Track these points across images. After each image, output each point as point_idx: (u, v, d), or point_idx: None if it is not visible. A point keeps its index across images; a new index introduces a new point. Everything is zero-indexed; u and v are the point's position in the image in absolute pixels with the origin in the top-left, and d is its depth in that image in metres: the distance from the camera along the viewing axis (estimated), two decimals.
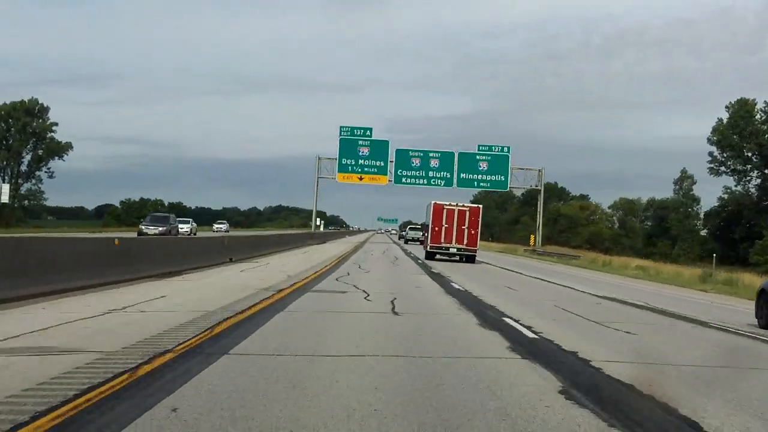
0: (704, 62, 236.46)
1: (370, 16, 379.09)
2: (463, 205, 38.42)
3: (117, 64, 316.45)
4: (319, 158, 72.89)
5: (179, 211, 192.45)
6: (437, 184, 71.72)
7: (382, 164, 71.60)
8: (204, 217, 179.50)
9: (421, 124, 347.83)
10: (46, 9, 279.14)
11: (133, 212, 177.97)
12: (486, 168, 71.54)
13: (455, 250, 37.31)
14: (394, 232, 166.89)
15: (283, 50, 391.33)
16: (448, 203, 38.19)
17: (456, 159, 71.73)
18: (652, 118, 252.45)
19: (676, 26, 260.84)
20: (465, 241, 37.14)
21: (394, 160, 71.70)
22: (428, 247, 38.52)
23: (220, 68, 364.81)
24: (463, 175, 71.64)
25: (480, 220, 38.16)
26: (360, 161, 71.39)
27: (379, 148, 71.65)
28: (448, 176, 71.62)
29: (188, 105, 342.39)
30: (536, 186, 73.69)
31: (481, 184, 72.04)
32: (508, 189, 72.84)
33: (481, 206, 40.53)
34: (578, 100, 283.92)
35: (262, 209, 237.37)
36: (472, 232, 37.28)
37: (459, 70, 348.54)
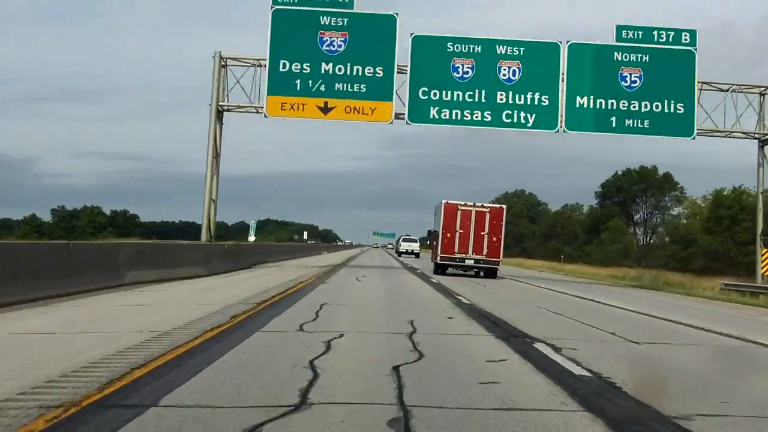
0: (703, 76, 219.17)
1: None
2: (482, 206, 30.37)
3: (114, 81, 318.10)
4: (224, 60, 29.45)
5: (126, 220, 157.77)
6: (515, 123, 28.88)
7: (380, 74, 28.68)
8: (189, 231, 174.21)
9: (418, 139, 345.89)
10: (45, 26, 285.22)
11: (63, 223, 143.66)
12: (639, 82, 28.76)
13: (472, 261, 29.93)
14: (390, 246, 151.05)
15: None
16: (463, 203, 30.02)
17: (564, 62, 28.93)
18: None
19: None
20: (485, 251, 29.65)
21: (409, 65, 28.93)
22: (438, 259, 30.56)
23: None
24: (580, 101, 28.75)
25: (503, 224, 30.08)
26: (325, 66, 28.51)
27: (373, 35, 28.74)
28: (546, 102, 28.74)
29: (185, 120, 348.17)
30: (755, 132, 30.24)
31: (629, 120, 28.84)
32: (693, 135, 29.39)
33: (504, 207, 31.57)
34: None
35: (251, 223, 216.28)
36: (494, 239, 29.75)
37: None
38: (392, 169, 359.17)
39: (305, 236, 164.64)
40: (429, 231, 38.43)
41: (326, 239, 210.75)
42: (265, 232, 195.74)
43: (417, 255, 70.61)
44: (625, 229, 73.09)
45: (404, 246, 74.41)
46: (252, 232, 50.09)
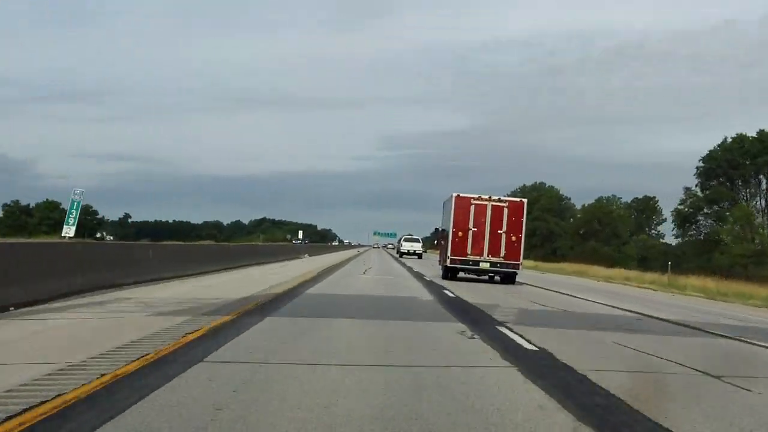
0: (704, 76, 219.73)
1: (368, 33, 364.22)
2: (499, 200, 26.79)
3: (114, 82, 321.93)
4: None
5: (87, 215, 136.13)
6: None
7: None
8: (181, 231, 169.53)
9: (418, 139, 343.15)
10: (44, 29, 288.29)
11: (10, 220, 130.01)
12: None
13: (488, 265, 26.16)
14: (391, 246, 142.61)
15: (280, 68, 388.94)
16: (477, 196, 26.51)
17: None
18: (652, 132, 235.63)
19: (676, 39, 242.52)
20: (502, 252, 25.93)
21: None
22: (448, 261, 26.67)
23: (216, 85, 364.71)
24: None
25: (524, 221, 26.47)
26: None
27: None
28: None
29: (183, 122, 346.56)
30: None
31: None
32: None
33: (525, 201, 27.85)
34: (577, 116, 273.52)
35: (246, 223, 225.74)
36: (513, 238, 26.04)
37: (457, 86, 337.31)
38: (392, 169, 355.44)
39: (300, 236, 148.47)
40: (436, 229, 33.50)
41: (325, 239, 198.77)
42: (259, 231, 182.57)
43: (420, 256, 66.17)
44: (755, 221, 49.80)
45: (406, 246, 69.98)
46: (71, 221, 27.65)
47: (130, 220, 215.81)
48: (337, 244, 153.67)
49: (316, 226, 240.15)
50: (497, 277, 27.18)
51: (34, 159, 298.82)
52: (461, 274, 27.34)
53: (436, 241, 35.51)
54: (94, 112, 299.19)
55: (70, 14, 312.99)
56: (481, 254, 25.88)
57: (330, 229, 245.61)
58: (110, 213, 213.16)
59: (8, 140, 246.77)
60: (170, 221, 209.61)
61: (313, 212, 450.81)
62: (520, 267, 26.52)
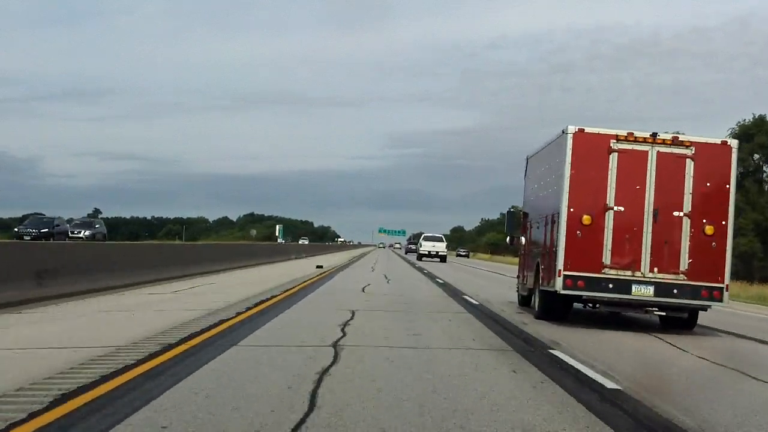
0: (717, 74, 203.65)
1: (370, 32, 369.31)
2: (675, 141, 12.66)
3: (116, 81, 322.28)
4: None
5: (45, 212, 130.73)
6: None
7: None
8: (162, 227, 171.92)
9: (422, 138, 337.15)
10: (46, 29, 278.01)
11: None
12: None
13: (651, 290, 12.21)
14: (399, 246, 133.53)
15: (282, 67, 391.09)
16: (624, 134, 12.46)
17: None
18: (660, 130, 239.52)
19: (688, 37, 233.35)
20: (684, 262, 12.24)
21: None
22: (557, 281, 12.40)
23: (218, 85, 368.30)
24: None
25: (732, 187, 12.46)
26: None
27: None
28: None
29: (185, 121, 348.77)
30: None
31: None
32: None
33: (733, 144, 12.80)
34: (584, 115, 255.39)
35: (235, 219, 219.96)
36: (708, 229, 12.22)
37: (464, 84, 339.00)
38: (397, 168, 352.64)
39: (278, 232, 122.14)
40: (509, 212, 19.96)
41: (323, 238, 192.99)
42: (236, 229, 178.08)
43: (443, 259, 58.64)
44: None
45: (427, 246, 60.36)
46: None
47: (99, 216, 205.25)
48: (305, 243, 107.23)
49: (312, 223, 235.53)
50: (669, 313, 13.16)
51: (39, 157, 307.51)
52: (584, 305, 13.44)
53: (509, 240, 19.40)
54: (94, 111, 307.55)
55: (72, 14, 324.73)
56: (637, 266, 12.49)
57: (329, 227, 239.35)
58: (112, 211, 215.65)
59: (14, 139, 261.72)
60: (149, 217, 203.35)
61: (316, 211, 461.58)
62: (725, 294, 12.42)
